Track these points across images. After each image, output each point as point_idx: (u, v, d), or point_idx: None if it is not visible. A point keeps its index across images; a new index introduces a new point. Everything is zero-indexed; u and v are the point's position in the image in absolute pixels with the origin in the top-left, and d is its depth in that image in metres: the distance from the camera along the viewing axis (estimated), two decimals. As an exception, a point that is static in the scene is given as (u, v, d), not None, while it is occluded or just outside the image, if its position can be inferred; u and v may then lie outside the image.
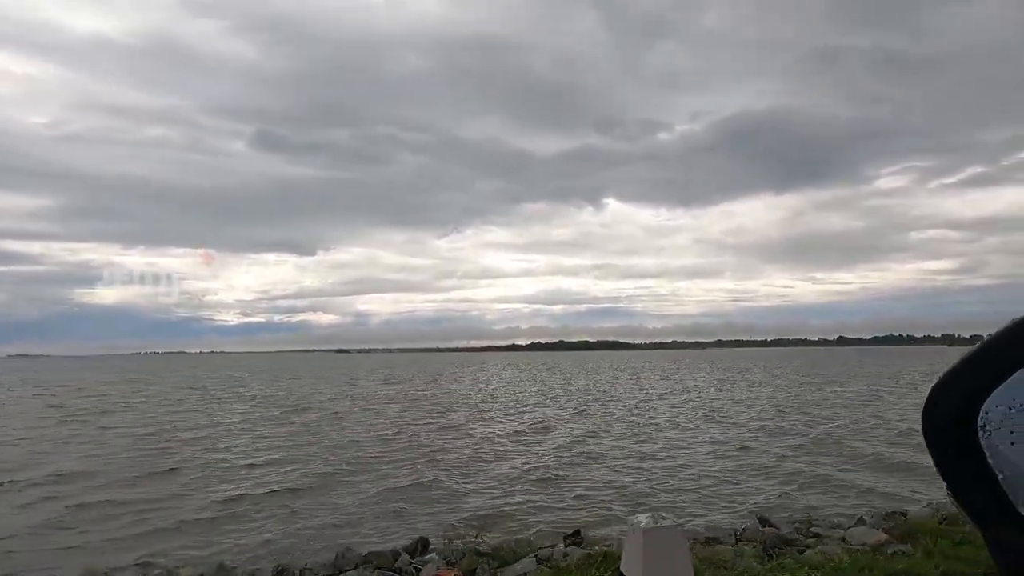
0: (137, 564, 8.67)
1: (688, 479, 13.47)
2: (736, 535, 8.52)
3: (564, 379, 56.91)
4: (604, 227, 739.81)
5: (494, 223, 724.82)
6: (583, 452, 16.86)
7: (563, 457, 16.15)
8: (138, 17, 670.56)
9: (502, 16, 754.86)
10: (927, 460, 0.67)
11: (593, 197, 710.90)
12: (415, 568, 7.50)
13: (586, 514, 10.80)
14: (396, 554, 8.07)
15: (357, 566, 7.67)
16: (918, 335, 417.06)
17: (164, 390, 46.89)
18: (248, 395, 40.80)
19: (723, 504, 11.39)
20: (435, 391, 42.61)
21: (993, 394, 0.63)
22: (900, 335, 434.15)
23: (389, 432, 21.29)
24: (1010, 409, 0.62)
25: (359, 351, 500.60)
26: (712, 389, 40.82)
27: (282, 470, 14.98)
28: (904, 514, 9.40)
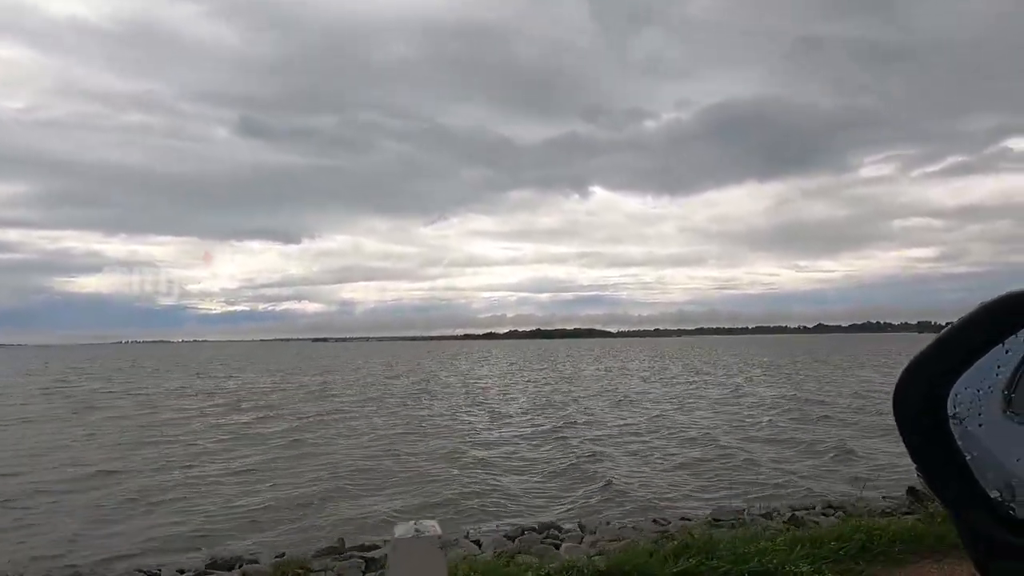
0: None
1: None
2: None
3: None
4: (590, 215, 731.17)
5: (480, 211, 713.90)
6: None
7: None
8: (117, 0, 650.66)
9: (487, 3, 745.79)
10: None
11: (579, 185, 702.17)
12: None
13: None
14: None
15: None
16: (896, 322, 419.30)
17: None
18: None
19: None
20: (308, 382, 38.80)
21: (963, 376, 0.64)
22: (877, 322, 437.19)
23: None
24: (979, 391, 0.63)
25: (337, 340, 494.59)
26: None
27: None
28: None
